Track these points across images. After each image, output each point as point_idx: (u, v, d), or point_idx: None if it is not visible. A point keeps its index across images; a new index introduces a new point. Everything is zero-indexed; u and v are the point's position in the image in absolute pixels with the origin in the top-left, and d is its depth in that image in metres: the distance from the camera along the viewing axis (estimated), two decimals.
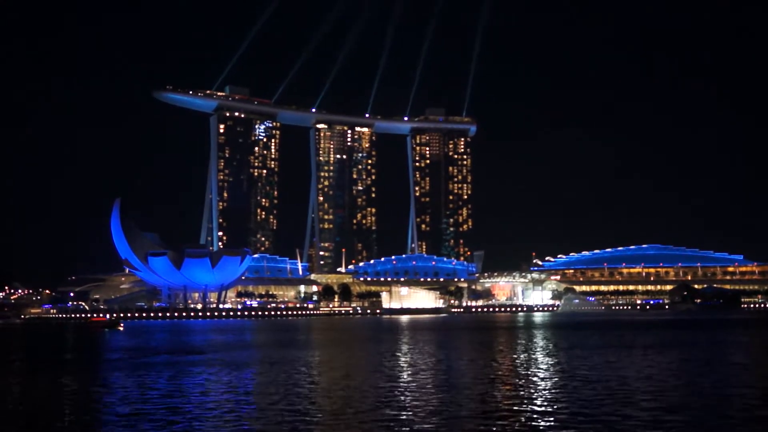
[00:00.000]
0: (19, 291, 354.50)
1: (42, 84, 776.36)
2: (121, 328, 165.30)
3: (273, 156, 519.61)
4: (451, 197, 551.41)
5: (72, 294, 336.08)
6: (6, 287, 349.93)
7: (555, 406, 36.64)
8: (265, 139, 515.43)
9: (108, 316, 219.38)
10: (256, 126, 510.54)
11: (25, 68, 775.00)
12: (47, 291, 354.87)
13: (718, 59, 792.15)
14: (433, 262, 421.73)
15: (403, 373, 53.16)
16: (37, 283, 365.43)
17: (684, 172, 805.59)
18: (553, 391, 42.39)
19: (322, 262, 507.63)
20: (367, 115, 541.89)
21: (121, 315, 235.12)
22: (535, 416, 33.98)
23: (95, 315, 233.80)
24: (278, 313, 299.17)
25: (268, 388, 45.46)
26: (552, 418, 33.31)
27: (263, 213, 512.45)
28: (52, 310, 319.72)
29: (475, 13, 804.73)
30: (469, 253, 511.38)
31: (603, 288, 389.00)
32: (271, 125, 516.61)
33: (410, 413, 34.98)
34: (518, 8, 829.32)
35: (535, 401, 38.51)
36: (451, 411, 35.73)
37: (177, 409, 37.15)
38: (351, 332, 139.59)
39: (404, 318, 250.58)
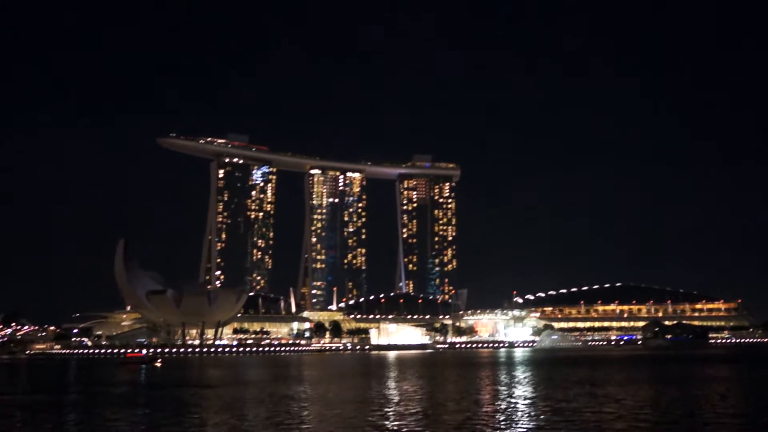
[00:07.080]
0: (26, 327, 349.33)
1: (51, 130, 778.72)
2: (159, 365, 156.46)
3: (269, 199, 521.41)
4: (436, 239, 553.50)
5: (76, 330, 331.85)
6: (13, 324, 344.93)
7: None
8: (261, 184, 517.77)
9: (145, 351, 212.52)
10: (254, 171, 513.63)
11: (36, 112, 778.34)
12: (52, 327, 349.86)
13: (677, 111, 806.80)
14: (420, 300, 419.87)
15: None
16: (42, 320, 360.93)
17: (657, 212, 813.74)
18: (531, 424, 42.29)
19: (314, 300, 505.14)
20: (358, 161, 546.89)
21: (154, 352, 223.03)
22: None
23: (132, 351, 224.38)
24: (272, 349, 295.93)
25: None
26: None
27: (259, 253, 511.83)
28: (56, 346, 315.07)
29: (460, 69, 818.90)
30: (453, 291, 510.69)
31: (580, 324, 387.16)
32: (267, 170, 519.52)
33: None
34: (499, 63, 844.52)
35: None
36: None
37: None
38: (342, 367, 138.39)
39: (392, 354, 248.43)
